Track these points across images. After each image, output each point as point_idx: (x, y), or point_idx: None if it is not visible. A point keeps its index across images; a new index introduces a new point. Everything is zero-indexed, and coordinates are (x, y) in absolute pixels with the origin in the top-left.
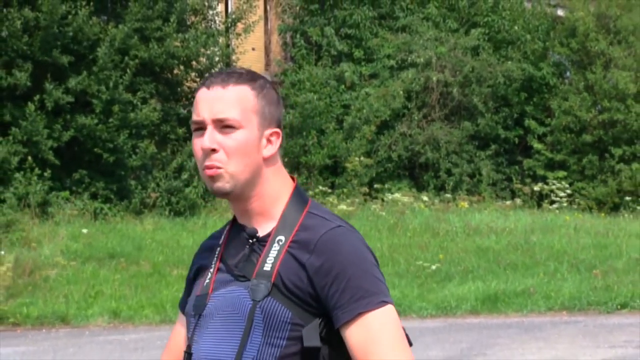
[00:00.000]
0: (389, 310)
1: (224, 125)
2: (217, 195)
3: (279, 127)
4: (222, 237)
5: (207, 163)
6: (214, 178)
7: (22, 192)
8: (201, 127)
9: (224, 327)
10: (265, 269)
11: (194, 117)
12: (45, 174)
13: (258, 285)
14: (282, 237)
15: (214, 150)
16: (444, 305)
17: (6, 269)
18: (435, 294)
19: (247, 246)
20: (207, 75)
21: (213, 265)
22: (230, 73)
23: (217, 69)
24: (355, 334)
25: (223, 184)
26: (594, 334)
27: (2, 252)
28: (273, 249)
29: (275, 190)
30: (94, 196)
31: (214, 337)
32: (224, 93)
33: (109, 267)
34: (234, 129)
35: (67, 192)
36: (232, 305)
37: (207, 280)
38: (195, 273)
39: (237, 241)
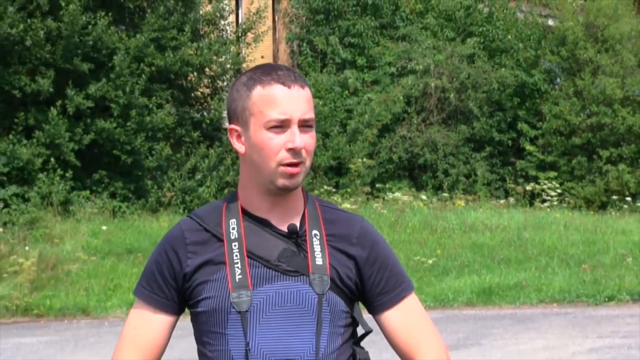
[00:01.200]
0: (414, 292)
1: (305, 125)
2: (286, 190)
3: None
4: (235, 232)
5: (295, 160)
6: (296, 175)
7: (46, 192)
8: (282, 125)
9: (290, 322)
10: (317, 263)
11: (276, 115)
12: (67, 174)
13: (317, 279)
14: (317, 232)
15: (302, 149)
16: (442, 297)
17: (30, 263)
18: (433, 287)
19: (291, 241)
20: (260, 70)
21: (239, 261)
22: (294, 72)
23: (228, 76)
24: (399, 316)
25: (300, 179)
26: (583, 325)
27: (27, 248)
28: (315, 243)
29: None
30: (112, 195)
31: (279, 332)
32: (305, 94)
33: (127, 261)
34: (311, 128)
35: (88, 192)
36: (294, 300)
37: (240, 276)
38: (196, 268)
39: (261, 235)
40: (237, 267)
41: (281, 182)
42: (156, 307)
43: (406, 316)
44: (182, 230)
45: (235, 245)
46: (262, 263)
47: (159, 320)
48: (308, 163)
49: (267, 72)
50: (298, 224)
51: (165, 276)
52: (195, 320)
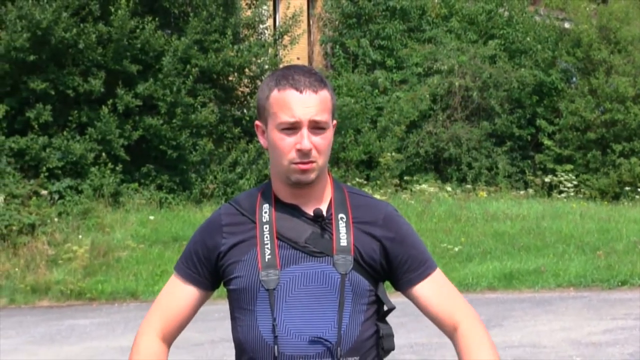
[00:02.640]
0: (439, 269)
1: (316, 127)
2: (302, 185)
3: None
4: (266, 215)
5: (304, 159)
6: (308, 171)
7: (97, 184)
8: (293, 127)
9: (314, 300)
10: (342, 244)
11: (287, 118)
12: (117, 168)
13: (341, 260)
14: (343, 215)
15: (311, 149)
16: (466, 282)
17: (84, 250)
18: (457, 273)
19: (317, 225)
20: (281, 73)
21: (269, 242)
22: (312, 75)
23: (266, 76)
24: (428, 288)
25: (313, 176)
26: (598, 307)
27: (80, 236)
28: (340, 226)
29: (326, 174)
30: (159, 187)
31: (304, 310)
32: (317, 98)
33: (172, 249)
34: (324, 130)
35: (136, 184)
36: (318, 280)
37: (269, 256)
38: (230, 248)
39: (290, 219)
40: (267, 248)
41: (295, 177)
42: (188, 280)
43: (436, 286)
44: (220, 214)
45: (266, 228)
46: (290, 245)
47: (187, 292)
48: (321, 161)
49: (285, 76)
50: (325, 209)
51: (200, 256)
52: (229, 297)
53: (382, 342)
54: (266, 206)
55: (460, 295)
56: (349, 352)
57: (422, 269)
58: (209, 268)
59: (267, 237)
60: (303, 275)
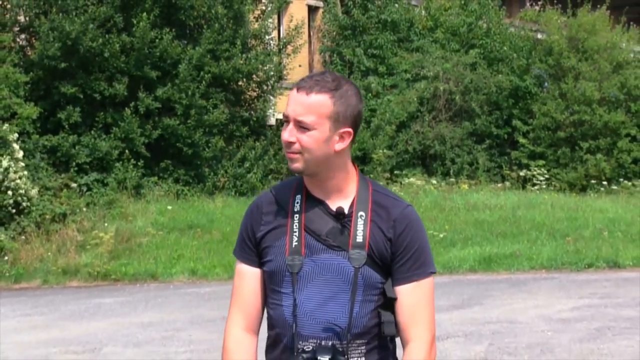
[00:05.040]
0: (431, 280)
1: (300, 125)
2: (293, 172)
3: (352, 125)
4: (298, 205)
5: (287, 149)
6: (292, 160)
7: (121, 178)
8: (287, 120)
9: (328, 289)
10: (358, 240)
11: (284, 112)
12: (139, 163)
13: (355, 254)
14: (363, 213)
15: (291, 142)
16: (449, 265)
17: (109, 237)
18: (442, 257)
19: (338, 221)
20: (305, 77)
21: (297, 231)
22: (318, 81)
23: (272, 81)
24: (408, 295)
25: (297, 165)
26: (567, 287)
27: (106, 224)
28: (359, 223)
29: (347, 173)
30: (176, 181)
31: (320, 296)
32: (306, 100)
33: (188, 235)
34: (307, 129)
35: (156, 178)
36: (334, 271)
37: (296, 243)
38: (266, 233)
39: (316, 212)
40: (295, 236)
41: (288, 165)
42: (249, 262)
43: (412, 297)
44: (261, 202)
45: (296, 217)
46: (313, 236)
47: (252, 273)
48: (307, 155)
49: (305, 78)
50: (347, 207)
51: (250, 237)
52: (264, 277)
53: (383, 328)
54: (298, 197)
55: (431, 313)
56: (357, 336)
57: (410, 273)
58: (256, 249)
59: (296, 225)
60: (322, 266)
